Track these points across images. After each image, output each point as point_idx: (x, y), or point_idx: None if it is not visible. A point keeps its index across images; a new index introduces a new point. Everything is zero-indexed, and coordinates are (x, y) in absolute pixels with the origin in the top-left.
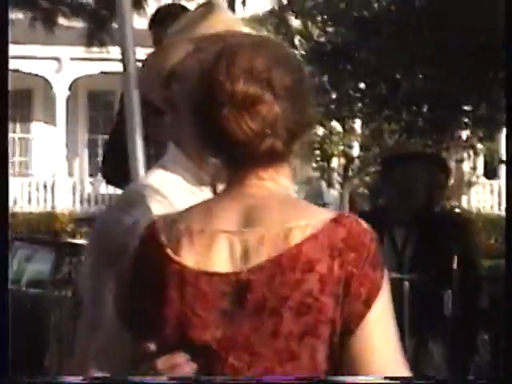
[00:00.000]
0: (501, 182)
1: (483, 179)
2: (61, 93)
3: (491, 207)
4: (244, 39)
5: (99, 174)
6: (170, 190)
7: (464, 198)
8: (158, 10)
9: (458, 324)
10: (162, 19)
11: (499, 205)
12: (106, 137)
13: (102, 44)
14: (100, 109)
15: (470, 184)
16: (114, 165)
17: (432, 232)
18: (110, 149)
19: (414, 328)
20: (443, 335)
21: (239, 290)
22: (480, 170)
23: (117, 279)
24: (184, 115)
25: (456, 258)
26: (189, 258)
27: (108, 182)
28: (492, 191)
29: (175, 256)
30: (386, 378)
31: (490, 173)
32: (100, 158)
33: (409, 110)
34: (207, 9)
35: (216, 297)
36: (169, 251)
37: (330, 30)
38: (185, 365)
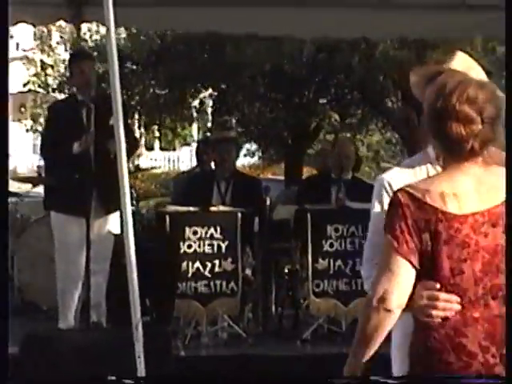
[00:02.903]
0: None
1: None
2: None
3: None
4: (470, 79)
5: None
6: (416, 168)
7: None
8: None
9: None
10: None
11: None
12: None
13: None
14: None
15: None
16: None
17: (239, 184)
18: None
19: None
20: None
21: (492, 218)
22: None
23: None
24: (426, 120)
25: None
26: (452, 208)
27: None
28: None
29: (443, 209)
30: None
31: None
32: None
33: None
34: (450, 55)
35: (480, 226)
36: (437, 205)
37: None
38: (454, 302)
